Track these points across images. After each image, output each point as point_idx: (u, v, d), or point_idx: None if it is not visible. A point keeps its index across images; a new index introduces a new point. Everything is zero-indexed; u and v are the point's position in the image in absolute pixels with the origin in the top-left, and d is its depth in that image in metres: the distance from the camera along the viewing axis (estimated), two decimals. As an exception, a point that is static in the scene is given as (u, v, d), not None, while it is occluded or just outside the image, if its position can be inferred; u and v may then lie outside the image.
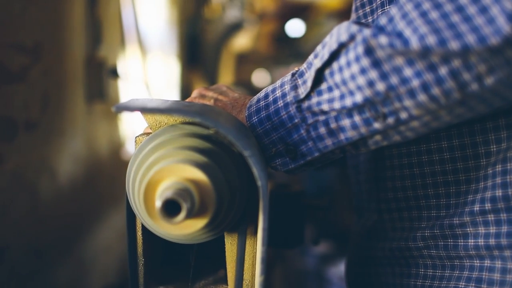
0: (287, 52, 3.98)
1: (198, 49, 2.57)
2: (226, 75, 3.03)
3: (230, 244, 0.60)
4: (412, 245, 0.66)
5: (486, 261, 0.60)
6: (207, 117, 0.49)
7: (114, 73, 1.45)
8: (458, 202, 0.63)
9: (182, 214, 0.47)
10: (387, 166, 0.68)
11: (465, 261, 0.62)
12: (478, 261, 0.61)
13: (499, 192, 0.59)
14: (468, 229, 0.61)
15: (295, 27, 3.81)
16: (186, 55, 2.53)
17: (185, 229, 0.50)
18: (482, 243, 0.60)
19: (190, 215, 0.48)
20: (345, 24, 0.53)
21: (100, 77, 1.35)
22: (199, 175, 0.49)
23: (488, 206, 0.59)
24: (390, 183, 0.68)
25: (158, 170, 0.50)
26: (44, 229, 1.11)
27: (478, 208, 0.60)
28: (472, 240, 0.61)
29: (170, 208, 0.47)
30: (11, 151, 0.96)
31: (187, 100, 0.70)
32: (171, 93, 2.36)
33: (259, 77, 4.21)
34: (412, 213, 0.67)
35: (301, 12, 3.54)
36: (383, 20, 0.50)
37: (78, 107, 1.29)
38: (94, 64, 1.34)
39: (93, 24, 1.35)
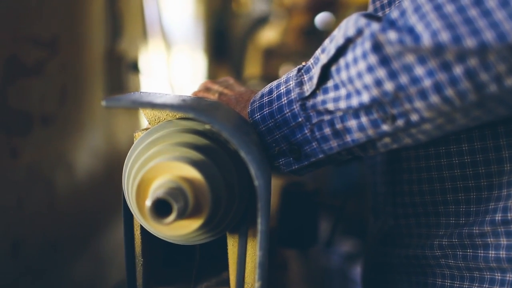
0: (315, 46, 3.90)
1: (225, 44, 2.54)
2: (253, 69, 3.01)
3: (232, 246, 0.57)
4: (428, 254, 0.62)
5: (508, 275, 0.56)
6: (201, 112, 0.47)
7: (135, 67, 1.44)
8: (478, 209, 0.58)
9: (173, 215, 0.44)
10: (404, 169, 0.64)
11: (485, 273, 0.58)
12: (499, 274, 0.56)
13: None
14: (488, 240, 0.57)
15: (324, 21, 3.75)
16: (213, 50, 2.52)
17: (179, 230, 0.48)
18: (504, 255, 0.55)
19: (183, 215, 0.45)
20: (353, 17, 0.49)
21: (120, 71, 1.34)
22: (193, 173, 0.47)
23: (511, 215, 0.55)
24: (407, 187, 0.64)
25: (151, 167, 0.47)
26: (60, 224, 1.10)
27: (500, 218, 0.55)
28: (493, 252, 0.56)
29: (162, 208, 0.45)
30: (26, 145, 0.96)
31: (192, 93, 0.67)
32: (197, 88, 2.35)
33: (287, 71, 4.14)
34: (429, 219, 0.62)
35: (331, 5, 3.47)
36: (394, 14, 0.46)
37: (97, 101, 1.28)
38: (114, 57, 1.33)
39: (113, 17, 1.34)
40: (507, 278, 0.56)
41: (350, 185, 2.36)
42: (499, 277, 0.56)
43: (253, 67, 2.83)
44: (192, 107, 0.47)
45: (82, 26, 1.19)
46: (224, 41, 2.55)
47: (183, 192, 0.45)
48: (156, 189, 0.46)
